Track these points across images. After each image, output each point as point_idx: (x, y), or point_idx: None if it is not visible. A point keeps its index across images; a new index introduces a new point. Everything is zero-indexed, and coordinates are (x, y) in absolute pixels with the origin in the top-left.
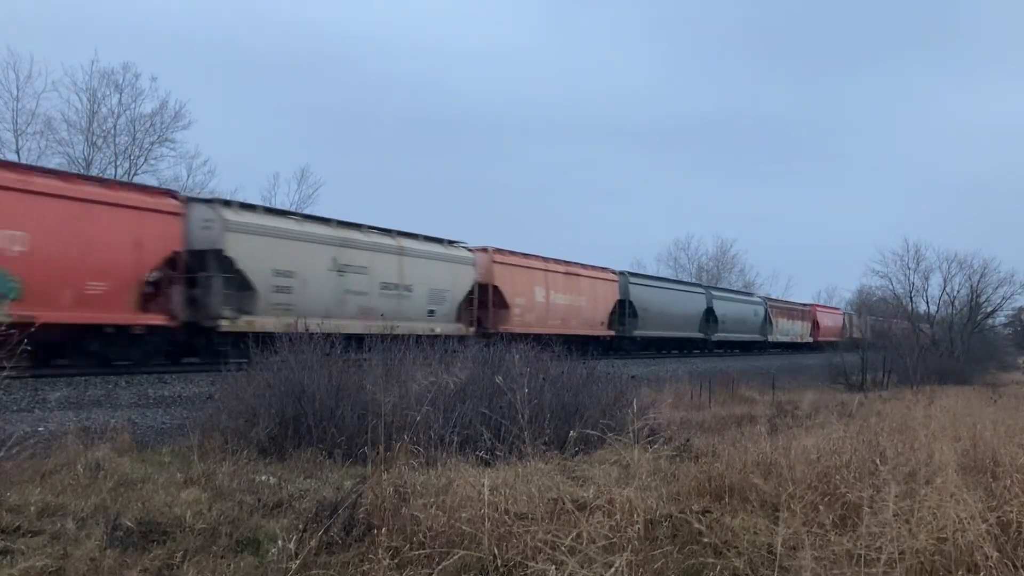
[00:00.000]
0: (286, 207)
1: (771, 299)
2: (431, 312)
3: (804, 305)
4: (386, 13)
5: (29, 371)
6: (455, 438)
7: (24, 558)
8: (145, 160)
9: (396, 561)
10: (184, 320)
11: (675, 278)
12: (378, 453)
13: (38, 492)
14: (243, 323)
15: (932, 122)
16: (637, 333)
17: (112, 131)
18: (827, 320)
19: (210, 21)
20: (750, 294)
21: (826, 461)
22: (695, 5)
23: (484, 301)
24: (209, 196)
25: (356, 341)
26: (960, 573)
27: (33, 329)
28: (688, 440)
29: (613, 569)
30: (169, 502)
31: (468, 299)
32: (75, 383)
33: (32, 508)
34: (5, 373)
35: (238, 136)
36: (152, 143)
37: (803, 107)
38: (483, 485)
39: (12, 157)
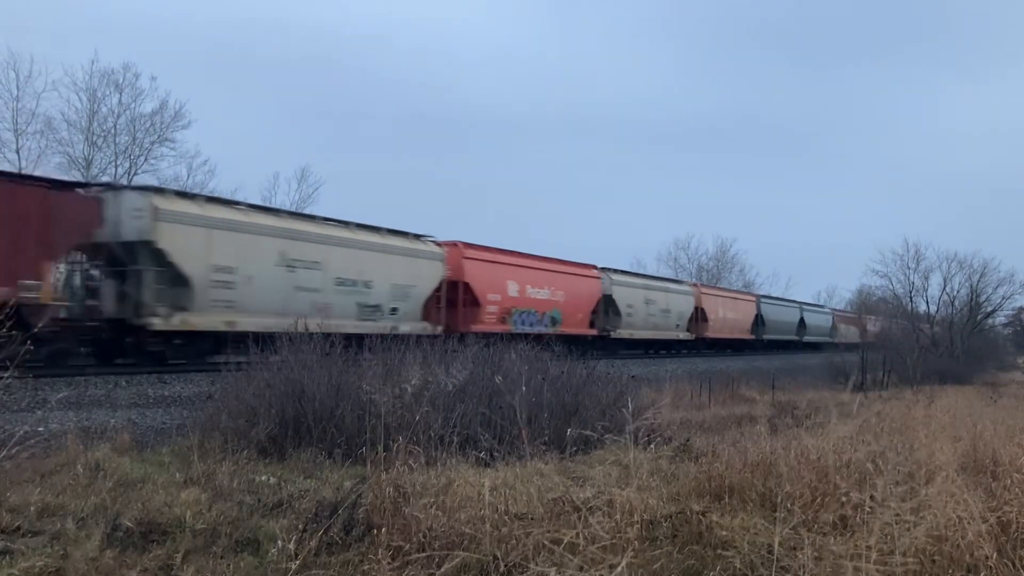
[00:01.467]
0: (286, 207)
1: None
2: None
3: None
4: (386, 13)
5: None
6: (455, 438)
7: (24, 558)
8: (145, 160)
9: (396, 562)
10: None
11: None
12: (378, 453)
13: (38, 492)
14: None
15: (932, 122)
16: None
17: (112, 131)
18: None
19: (210, 21)
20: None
21: (826, 461)
22: (695, 4)
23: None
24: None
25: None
26: (960, 573)
27: None
28: (688, 440)
29: (614, 570)
30: (169, 502)
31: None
32: (75, 383)
33: (32, 508)
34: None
35: (238, 136)
36: (152, 143)
37: (803, 107)
38: (483, 485)
39: (12, 157)
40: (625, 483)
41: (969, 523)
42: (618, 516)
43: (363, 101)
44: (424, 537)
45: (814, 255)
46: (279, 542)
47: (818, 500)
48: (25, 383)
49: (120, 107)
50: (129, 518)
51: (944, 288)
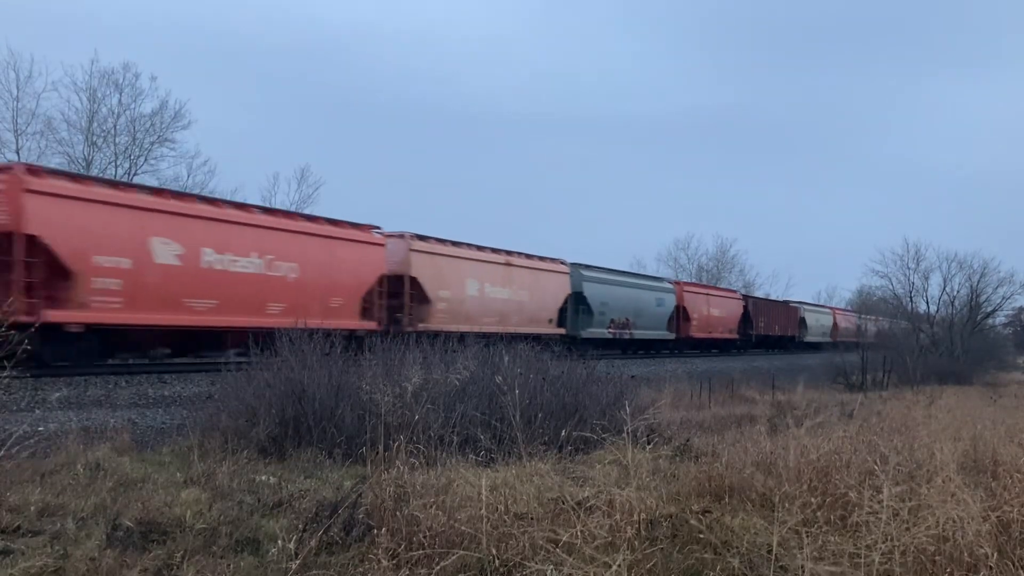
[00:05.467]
0: (286, 207)
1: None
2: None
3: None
4: (387, 12)
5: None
6: (455, 438)
7: (24, 558)
8: (145, 160)
9: (395, 561)
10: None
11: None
12: (378, 453)
13: (38, 492)
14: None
15: (932, 122)
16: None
17: (112, 131)
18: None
19: (210, 21)
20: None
21: (826, 461)
22: (695, 4)
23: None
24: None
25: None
26: (960, 573)
27: None
28: (688, 440)
29: (612, 569)
30: (169, 502)
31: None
32: (75, 383)
33: (32, 508)
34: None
35: (238, 136)
36: (152, 143)
37: (804, 107)
38: (482, 485)
39: (12, 157)
40: (625, 483)
41: (969, 523)
42: (617, 516)
43: (363, 100)
44: (423, 537)
45: (814, 255)
46: (279, 542)
47: (818, 500)
48: (24, 383)
49: (120, 107)
50: (129, 518)
51: (944, 288)
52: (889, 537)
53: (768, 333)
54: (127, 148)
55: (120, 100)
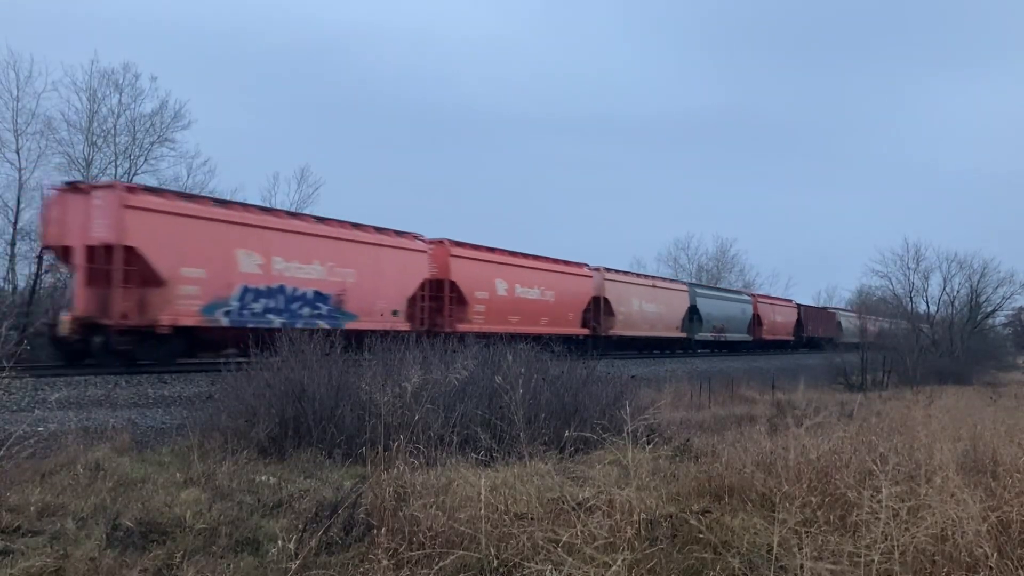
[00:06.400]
0: (286, 207)
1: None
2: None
3: (825, 308)
4: (388, 12)
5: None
6: (455, 438)
7: (24, 558)
8: (145, 160)
9: (395, 561)
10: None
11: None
12: (378, 453)
13: (38, 492)
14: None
15: (933, 121)
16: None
17: (112, 131)
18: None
19: (210, 21)
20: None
21: (825, 461)
22: (696, 4)
23: (440, 297)
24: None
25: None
26: (959, 573)
27: None
28: (688, 440)
29: (612, 569)
30: (169, 502)
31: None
32: (75, 383)
33: (32, 508)
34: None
35: (238, 136)
36: (152, 143)
37: (804, 107)
38: (482, 485)
39: (12, 157)
40: (625, 483)
41: (968, 523)
42: (617, 516)
43: (363, 100)
44: (423, 537)
45: (814, 255)
46: (279, 542)
47: (818, 500)
48: (24, 383)
49: (120, 107)
50: (129, 518)
51: (944, 288)
52: (889, 537)
53: (815, 335)
54: (127, 148)
55: (120, 100)
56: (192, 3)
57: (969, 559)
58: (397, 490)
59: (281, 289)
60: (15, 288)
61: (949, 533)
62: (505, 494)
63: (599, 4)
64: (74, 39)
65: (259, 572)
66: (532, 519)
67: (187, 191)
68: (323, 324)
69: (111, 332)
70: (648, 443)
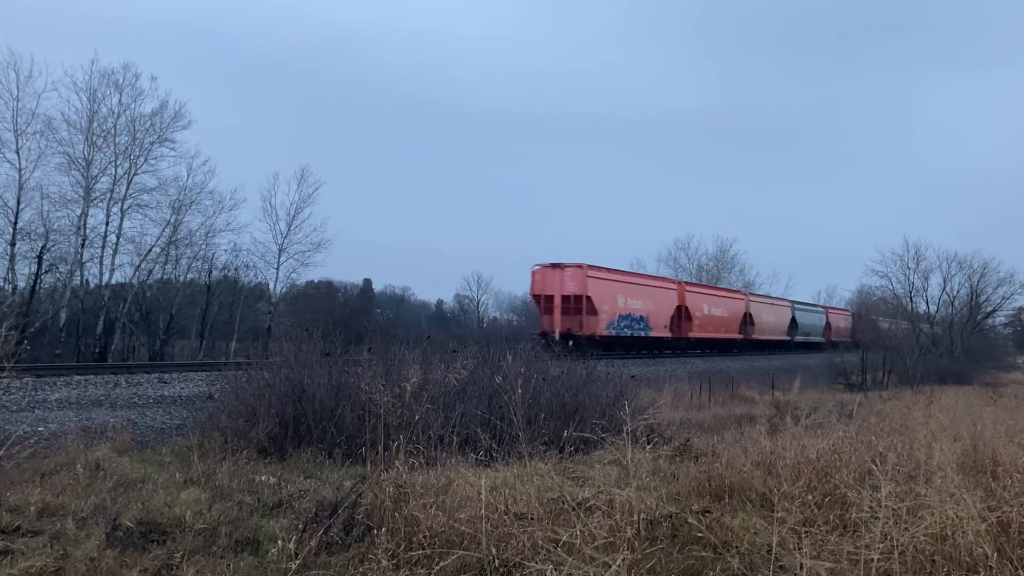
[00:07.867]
0: (286, 207)
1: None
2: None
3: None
4: (388, 12)
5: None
6: (454, 438)
7: (24, 558)
8: (145, 160)
9: (395, 561)
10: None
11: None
12: (378, 453)
13: (38, 492)
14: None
15: (932, 122)
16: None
17: (112, 131)
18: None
19: (210, 22)
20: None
21: (825, 460)
22: (695, 4)
23: (579, 308)
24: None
25: None
26: (959, 572)
27: None
28: (688, 440)
29: (612, 569)
30: (169, 502)
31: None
32: (75, 383)
33: (32, 508)
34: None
35: (238, 136)
36: (152, 143)
37: (804, 107)
38: (482, 485)
39: (12, 157)
40: (625, 483)
41: (968, 523)
42: (617, 516)
43: (362, 100)
44: (423, 537)
45: (814, 255)
46: (279, 542)
47: (817, 499)
48: (24, 383)
49: (120, 107)
50: (129, 518)
51: (944, 288)
52: (888, 536)
53: (863, 337)
54: (127, 148)
55: (120, 100)
56: (192, 4)
57: (969, 559)
58: (397, 490)
59: (630, 315)
60: (15, 288)
61: (949, 533)
62: (505, 494)
63: (599, 4)
64: (74, 39)
65: (259, 572)
66: (532, 519)
67: (597, 265)
68: (643, 333)
69: (578, 337)
70: (648, 443)
